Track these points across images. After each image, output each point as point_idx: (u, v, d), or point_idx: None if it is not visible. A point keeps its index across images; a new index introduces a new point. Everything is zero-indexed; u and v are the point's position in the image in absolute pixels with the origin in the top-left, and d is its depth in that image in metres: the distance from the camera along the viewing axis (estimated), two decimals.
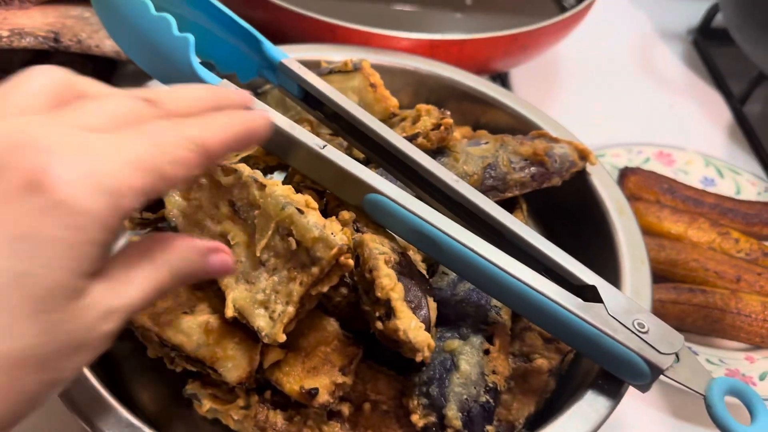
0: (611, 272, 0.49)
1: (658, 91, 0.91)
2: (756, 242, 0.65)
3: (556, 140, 0.54)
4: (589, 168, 0.55)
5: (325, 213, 0.45)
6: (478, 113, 0.63)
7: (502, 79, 0.85)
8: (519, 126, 0.60)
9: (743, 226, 0.68)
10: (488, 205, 0.44)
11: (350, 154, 0.46)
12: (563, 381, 0.48)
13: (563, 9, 0.83)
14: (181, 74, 0.46)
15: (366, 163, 0.48)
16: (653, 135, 0.82)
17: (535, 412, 0.45)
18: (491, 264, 0.40)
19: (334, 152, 0.43)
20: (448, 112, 0.55)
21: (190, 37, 0.46)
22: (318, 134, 0.53)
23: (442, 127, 0.51)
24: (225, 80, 0.44)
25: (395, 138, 0.47)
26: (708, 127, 0.87)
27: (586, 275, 0.42)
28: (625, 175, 0.70)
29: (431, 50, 0.65)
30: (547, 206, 0.58)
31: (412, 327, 0.38)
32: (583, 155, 0.54)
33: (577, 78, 0.91)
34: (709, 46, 0.99)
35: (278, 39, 0.72)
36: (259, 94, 0.58)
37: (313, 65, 0.59)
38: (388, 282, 0.39)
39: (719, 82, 0.93)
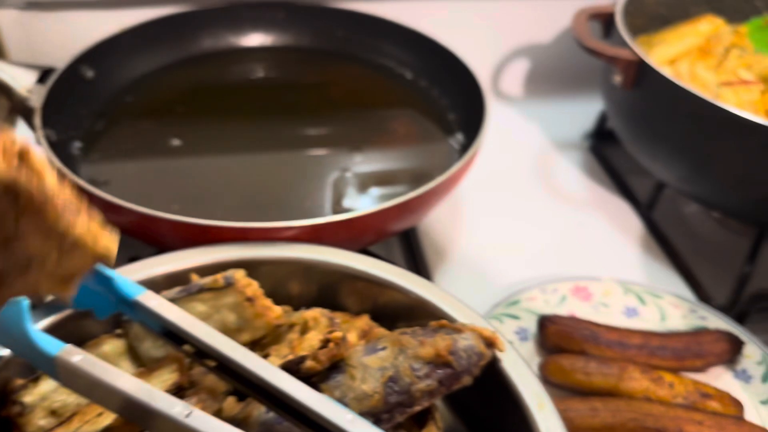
0: None
1: (565, 209, 0.89)
2: (691, 383, 0.61)
3: (458, 329, 0.49)
4: (500, 355, 0.50)
5: None
6: (375, 294, 0.58)
7: (408, 232, 0.81)
8: (417, 306, 0.55)
9: (675, 363, 0.64)
10: None
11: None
12: None
13: (452, 149, 0.81)
14: (17, 337, 0.40)
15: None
16: (567, 263, 0.79)
17: None
18: None
19: (201, 419, 0.37)
20: (338, 321, 0.50)
21: (24, 302, 0.40)
22: (190, 375, 0.47)
23: (331, 344, 0.46)
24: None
25: (273, 375, 0.41)
26: (620, 241, 0.84)
27: None
28: (544, 326, 0.65)
29: (317, 234, 0.60)
30: (462, 407, 0.53)
31: None
32: (490, 343, 0.49)
33: (483, 212, 0.88)
34: (605, 148, 0.98)
35: (156, 244, 0.67)
36: (125, 321, 0.52)
37: (183, 279, 0.53)
38: None
39: (623, 187, 0.92)
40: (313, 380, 0.47)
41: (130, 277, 0.54)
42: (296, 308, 0.56)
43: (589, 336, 0.64)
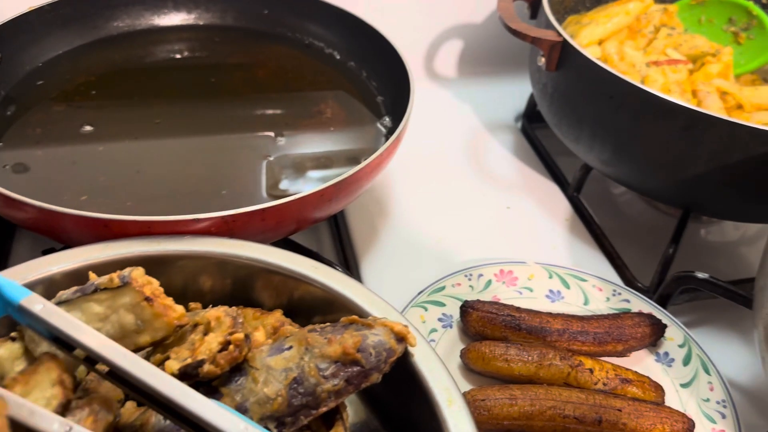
0: None
1: (494, 192, 0.88)
2: (611, 368, 0.61)
3: (368, 325, 0.48)
4: (412, 349, 0.49)
5: None
6: (291, 288, 0.56)
7: (336, 217, 0.79)
8: (334, 300, 0.53)
9: (596, 347, 0.64)
10: None
11: None
12: None
13: (379, 132, 0.79)
14: None
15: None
16: (495, 247, 0.79)
17: None
18: None
19: None
20: (241, 320, 0.48)
21: None
22: (85, 382, 0.45)
23: (231, 346, 0.44)
24: None
25: (163, 383, 0.39)
26: (548, 223, 0.84)
27: None
28: (466, 312, 0.64)
29: (229, 226, 0.57)
30: (375, 401, 0.52)
31: None
32: (401, 337, 0.48)
33: (413, 196, 0.86)
34: (536, 129, 0.97)
35: (60, 240, 0.64)
36: (20, 324, 0.49)
37: (84, 277, 0.51)
38: None
39: (552, 169, 0.92)
40: (213, 384, 0.45)
41: (26, 275, 0.52)
42: (208, 305, 0.54)
43: (510, 321, 0.63)
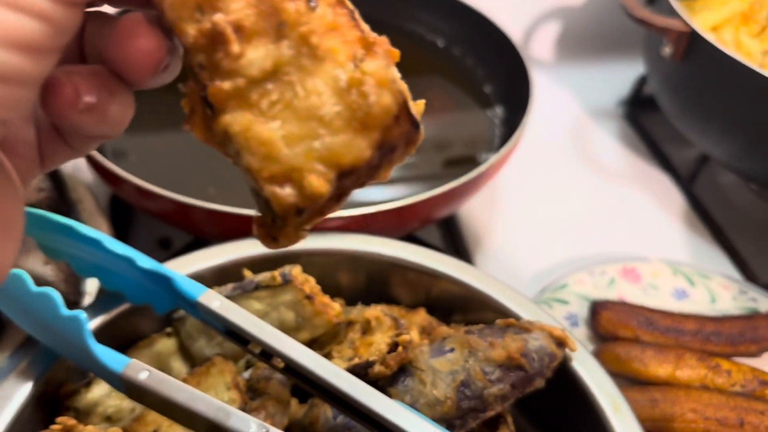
0: None
1: (602, 183, 0.86)
2: (749, 369, 0.60)
3: (527, 329, 0.48)
4: (571, 354, 0.48)
5: None
6: (427, 284, 0.56)
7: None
8: (472, 298, 0.53)
9: (730, 348, 0.63)
10: None
11: None
12: None
13: (491, 122, 0.78)
14: (79, 351, 0.39)
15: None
16: (608, 241, 0.77)
17: None
18: None
19: None
20: (404, 323, 0.48)
21: (81, 316, 0.39)
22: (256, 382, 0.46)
23: (400, 348, 0.44)
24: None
25: (345, 381, 0.39)
26: (661, 216, 0.82)
27: None
28: (597, 312, 0.64)
29: (367, 223, 0.58)
30: (532, 411, 0.51)
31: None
32: (561, 342, 0.48)
33: (520, 189, 0.85)
34: (642, 115, 0.95)
35: (191, 231, 0.65)
36: (176, 320, 0.50)
37: (229, 273, 0.51)
38: None
39: (662, 158, 0.89)
40: (380, 383, 0.45)
41: (177, 271, 0.52)
42: (348, 302, 0.54)
43: (643, 322, 0.62)
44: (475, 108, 0.83)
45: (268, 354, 0.42)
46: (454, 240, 0.77)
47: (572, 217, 0.81)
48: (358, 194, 0.31)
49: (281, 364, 0.41)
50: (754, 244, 0.79)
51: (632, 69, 0.97)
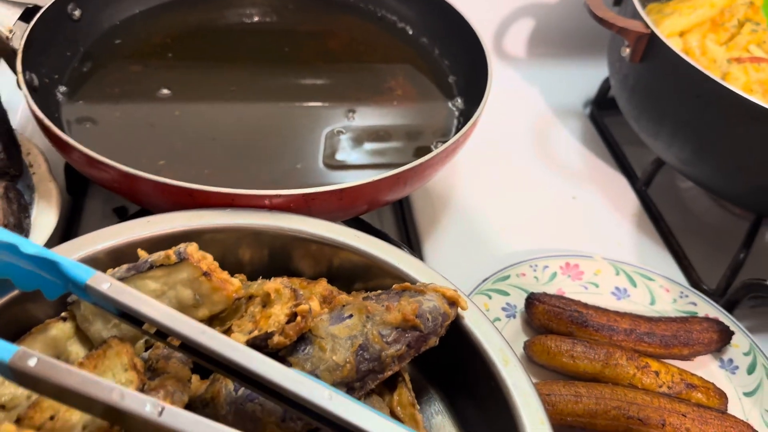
0: None
1: (560, 180, 0.87)
2: (677, 372, 0.61)
3: (421, 291, 0.49)
4: (463, 313, 0.49)
5: None
6: (329, 255, 0.56)
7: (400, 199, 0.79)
8: (373, 266, 0.54)
9: (662, 350, 0.63)
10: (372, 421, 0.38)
11: None
12: None
13: (450, 112, 0.78)
14: None
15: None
16: (559, 237, 0.78)
17: None
18: None
19: (175, 415, 0.36)
20: (303, 294, 0.48)
21: None
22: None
23: (299, 318, 0.45)
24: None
25: (243, 355, 0.40)
26: (614, 217, 0.83)
27: None
28: (532, 304, 0.64)
29: (307, 203, 0.58)
30: (428, 369, 0.53)
31: None
32: (453, 301, 0.49)
33: (477, 179, 0.85)
34: (605, 116, 0.95)
35: (138, 203, 0.65)
36: (71, 304, 0.50)
37: (126, 255, 0.51)
38: None
39: (620, 160, 0.90)
40: (280, 354, 0.46)
41: (70, 255, 0.50)
42: (252, 277, 0.55)
43: (577, 318, 0.63)
44: (440, 98, 0.83)
45: (163, 333, 0.41)
46: (406, 226, 0.77)
47: (524, 211, 0.81)
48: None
49: (178, 343, 0.41)
50: (703, 250, 0.80)
51: (601, 70, 0.97)
